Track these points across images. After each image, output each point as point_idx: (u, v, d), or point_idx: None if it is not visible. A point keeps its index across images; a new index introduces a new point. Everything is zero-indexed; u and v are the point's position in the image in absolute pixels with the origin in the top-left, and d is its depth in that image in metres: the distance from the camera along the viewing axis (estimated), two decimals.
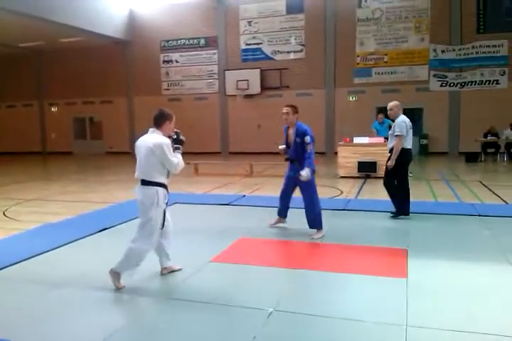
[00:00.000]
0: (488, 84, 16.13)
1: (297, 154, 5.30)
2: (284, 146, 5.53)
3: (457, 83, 16.43)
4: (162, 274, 4.11)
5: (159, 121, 3.82)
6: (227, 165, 14.22)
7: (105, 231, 5.78)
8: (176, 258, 4.59)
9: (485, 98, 15.79)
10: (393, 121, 6.21)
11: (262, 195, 8.41)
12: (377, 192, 8.47)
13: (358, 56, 17.41)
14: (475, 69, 16.20)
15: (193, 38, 19.47)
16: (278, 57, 18.42)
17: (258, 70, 18.32)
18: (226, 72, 18.85)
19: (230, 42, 19.01)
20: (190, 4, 19.07)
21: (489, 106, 15.53)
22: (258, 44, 18.68)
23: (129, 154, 20.12)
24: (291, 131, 5.34)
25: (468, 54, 16.23)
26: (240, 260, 4.57)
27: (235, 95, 18.80)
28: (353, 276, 4.06)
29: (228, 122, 19.41)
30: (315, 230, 5.39)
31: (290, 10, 18.07)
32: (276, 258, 4.63)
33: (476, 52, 16.16)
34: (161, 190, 3.77)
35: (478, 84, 16.24)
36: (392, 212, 6.29)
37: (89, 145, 22.04)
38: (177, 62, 19.89)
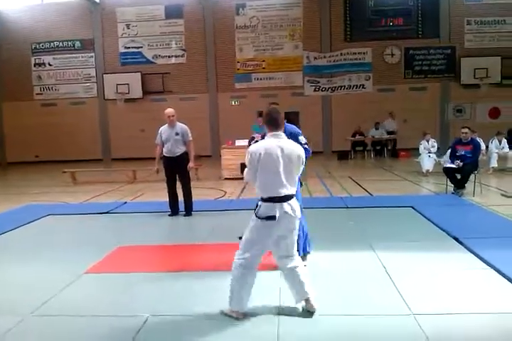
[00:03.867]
0: (356, 88, 17.65)
1: None
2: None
3: (328, 88, 17.73)
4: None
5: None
6: (108, 172, 13.61)
7: None
8: (46, 274, 4.34)
9: (353, 101, 17.25)
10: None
11: (144, 201, 8.24)
12: None
13: (238, 62, 17.89)
14: (344, 75, 17.61)
15: (67, 40, 18.35)
16: (159, 61, 18.16)
17: (139, 74, 17.86)
18: (105, 75, 18.08)
19: (108, 46, 18.28)
20: (63, 5, 18.00)
21: (357, 108, 16.98)
22: (138, 48, 18.23)
23: None
24: None
25: (337, 60, 17.59)
26: (117, 269, 4.45)
27: (115, 99, 18.11)
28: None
29: (109, 127, 18.61)
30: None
31: (169, 15, 17.92)
32: (154, 264, 4.57)
33: (344, 59, 17.59)
34: None
35: (346, 88, 17.68)
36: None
37: None
38: (50, 65, 18.59)
